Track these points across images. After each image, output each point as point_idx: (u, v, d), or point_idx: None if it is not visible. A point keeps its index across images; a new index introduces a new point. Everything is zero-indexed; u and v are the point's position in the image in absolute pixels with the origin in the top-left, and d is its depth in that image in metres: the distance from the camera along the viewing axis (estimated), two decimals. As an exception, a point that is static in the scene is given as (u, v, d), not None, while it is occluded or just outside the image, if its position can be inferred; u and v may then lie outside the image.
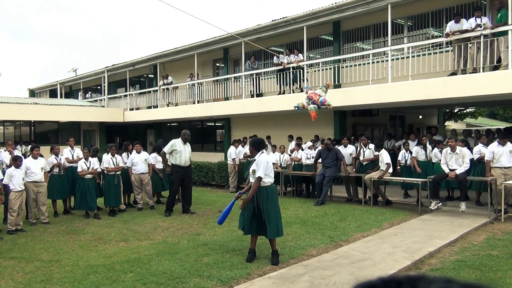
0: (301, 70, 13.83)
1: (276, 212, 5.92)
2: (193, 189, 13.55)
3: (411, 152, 10.58)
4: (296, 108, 11.14)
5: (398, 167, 10.84)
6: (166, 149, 9.71)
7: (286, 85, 14.43)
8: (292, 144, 13.49)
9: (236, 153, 13.52)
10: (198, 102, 17.55)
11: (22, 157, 8.85)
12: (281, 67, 14.41)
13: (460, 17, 10.52)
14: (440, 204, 9.12)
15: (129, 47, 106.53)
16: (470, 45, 10.24)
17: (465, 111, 25.26)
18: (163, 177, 10.98)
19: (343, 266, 5.51)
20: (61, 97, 27.48)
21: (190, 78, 18.28)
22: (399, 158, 10.89)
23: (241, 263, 5.77)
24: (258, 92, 15.43)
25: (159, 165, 10.93)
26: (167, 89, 19.60)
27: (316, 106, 10.39)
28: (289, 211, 9.66)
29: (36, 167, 8.66)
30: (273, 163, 12.85)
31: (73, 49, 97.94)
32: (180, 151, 9.59)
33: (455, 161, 9.03)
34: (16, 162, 8.15)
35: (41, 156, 8.93)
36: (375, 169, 10.47)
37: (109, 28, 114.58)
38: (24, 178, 8.18)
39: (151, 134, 23.21)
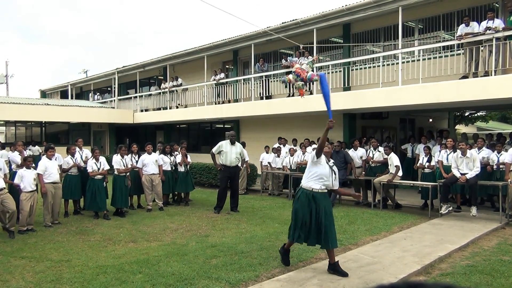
0: (311, 73, 13.79)
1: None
2: (201, 191, 13.72)
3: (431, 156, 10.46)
4: (283, 83, 10.97)
5: (424, 169, 10.55)
6: (214, 149, 10.25)
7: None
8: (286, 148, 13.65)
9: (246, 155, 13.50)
10: (219, 103, 17.47)
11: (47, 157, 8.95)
12: (291, 69, 14.37)
13: (469, 19, 10.43)
14: (450, 208, 9.04)
15: (139, 48, 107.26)
16: (482, 48, 10.16)
17: (475, 115, 25.04)
18: (171, 178, 11.02)
19: (352, 270, 5.47)
20: (71, 98, 27.73)
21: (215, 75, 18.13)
22: (420, 162, 10.73)
23: (250, 265, 5.76)
24: (267, 94, 15.43)
25: (167, 167, 10.95)
26: (176, 91, 19.67)
27: (303, 83, 10.15)
28: (297, 213, 9.63)
29: (54, 167, 8.74)
30: (283, 166, 12.90)
31: (83, 50, 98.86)
32: (226, 152, 10.02)
33: (465, 165, 8.94)
34: (26, 162, 8.22)
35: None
36: (384, 172, 10.41)
37: (119, 28, 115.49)
38: (35, 179, 8.24)
39: (160, 136, 23.31)
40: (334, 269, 5.35)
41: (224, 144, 10.15)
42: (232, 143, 10.14)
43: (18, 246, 6.95)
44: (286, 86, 10.73)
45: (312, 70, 9.61)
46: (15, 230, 7.96)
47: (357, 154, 11.36)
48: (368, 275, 5.28)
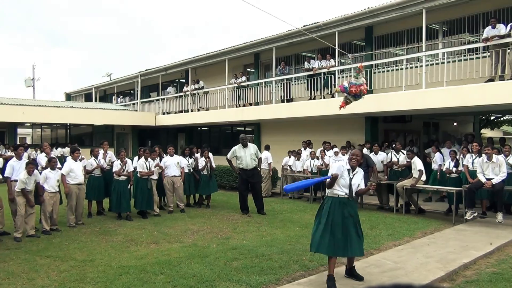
0: (333, 76, 13.73)
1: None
2: (222, 193, 13.74)
3: (456, 160, 10.24)
4: (339, 92, 10.45)
5: (450, 174, 10.37)
6: (228, 155, 10.40)
7: (317, 90, 14.35)
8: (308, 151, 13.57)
9: (270, 158, 13.47)
10: (240, 106, 17.47)
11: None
12: (311, 72, 14.35)
13: (496, 21, 10.21)
14: (475, 214, 8.84)
15: (161, 51, 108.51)
16: (509, 50, 9.93)
17: (502, 119, 24.44)
18: (190, 180, 11.11)
19: (374, 275, 5.41)
20: (95, 101, 28.22)
21: (235, 79, 18.16)
22: (446, 166, 10.52)
23: (270, 268, 5.75)
24: (288, 98, 15.41)
25: (185, 169, 11.03)
26: (197, 93, 19.82)
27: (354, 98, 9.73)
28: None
29: (78, 169, 8.92)
30: (304, 169, 12.82)
31: (107, 52, 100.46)
32: (241, 156, 10.16)
33: (491, 170, 8.74)
34: (51, 163, 8.38)
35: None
36: (407, 177, 10.26)
37: (143, 31, 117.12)
38: (58, 180, 8.40)
39: (182, 138, 23.51)
40: (351, 273, 5.32)
41: (238, 149, 10.25)
42: (244, 145, 10.21)
43: (44, 246, 7.11)
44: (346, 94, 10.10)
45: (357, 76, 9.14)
46: (40, 229, 8.14)
47: (377, 159, 11.23)
48: (390, 281, 5.21)
